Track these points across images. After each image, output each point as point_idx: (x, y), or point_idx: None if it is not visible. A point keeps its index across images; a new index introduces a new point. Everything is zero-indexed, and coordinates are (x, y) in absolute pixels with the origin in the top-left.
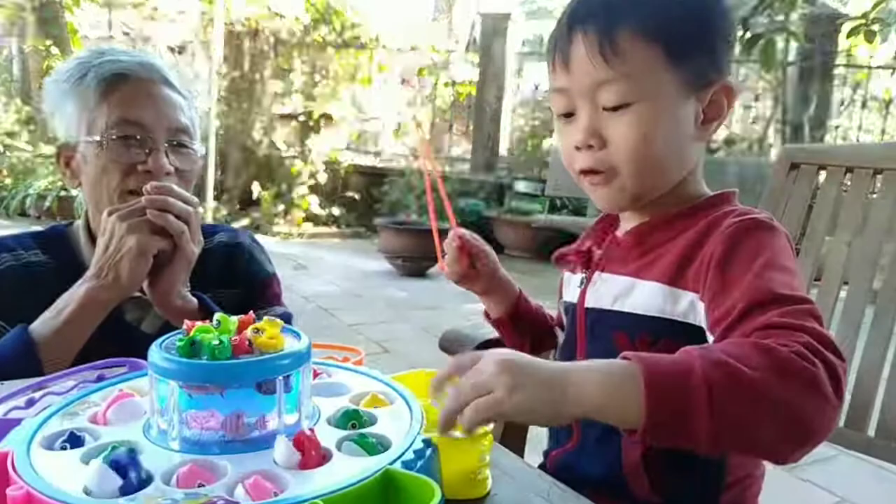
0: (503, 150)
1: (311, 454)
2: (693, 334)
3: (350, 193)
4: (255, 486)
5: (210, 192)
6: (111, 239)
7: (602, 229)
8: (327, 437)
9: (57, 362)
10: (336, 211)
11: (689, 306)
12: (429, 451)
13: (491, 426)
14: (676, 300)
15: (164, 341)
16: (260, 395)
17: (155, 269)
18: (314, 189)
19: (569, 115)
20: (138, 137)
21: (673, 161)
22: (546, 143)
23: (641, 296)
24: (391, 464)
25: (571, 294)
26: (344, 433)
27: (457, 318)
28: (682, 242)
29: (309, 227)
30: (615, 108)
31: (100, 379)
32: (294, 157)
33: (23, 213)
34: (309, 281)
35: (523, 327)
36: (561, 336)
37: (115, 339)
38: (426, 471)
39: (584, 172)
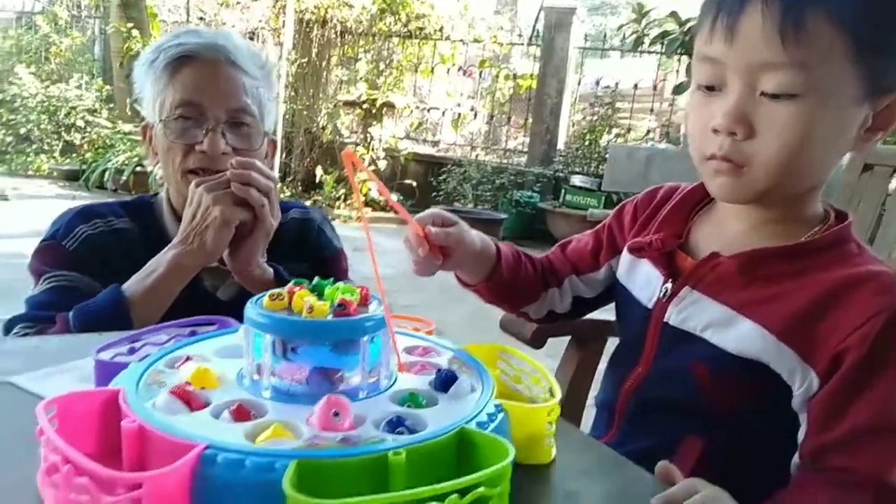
0: (561, 143)
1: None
2: (778, 391)
3: (408, 181)
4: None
5: (275, 174)
6: (198, 209)
7: (680, 212)
8: (379, 408)
9: (145, 321)
10: (395, 197)
11: (793, 370)
12: (500, 415)
13: (558, 396)
14: (781, 356)
15: (258, 299)
16: (345, 354)
17: (236, 239)
18: (374, 175)
19: (712, 87)
20: (196, 118)
21: (819, 167)
22: (604, 139)
23: (740, 335)
24: (466, 423)
25: (646, 296)
26: (394, 410)
27: None
28: (805, 294)
29: (368, 212)
30: (776, 96)
31: (192, 335)
32: (356, 143)
33: (101, 186)
34: (367, 263)
35: (503, 290)
36: (554, 296)
37: (194, 305)
38: (498, 433)
39: (713, 158)
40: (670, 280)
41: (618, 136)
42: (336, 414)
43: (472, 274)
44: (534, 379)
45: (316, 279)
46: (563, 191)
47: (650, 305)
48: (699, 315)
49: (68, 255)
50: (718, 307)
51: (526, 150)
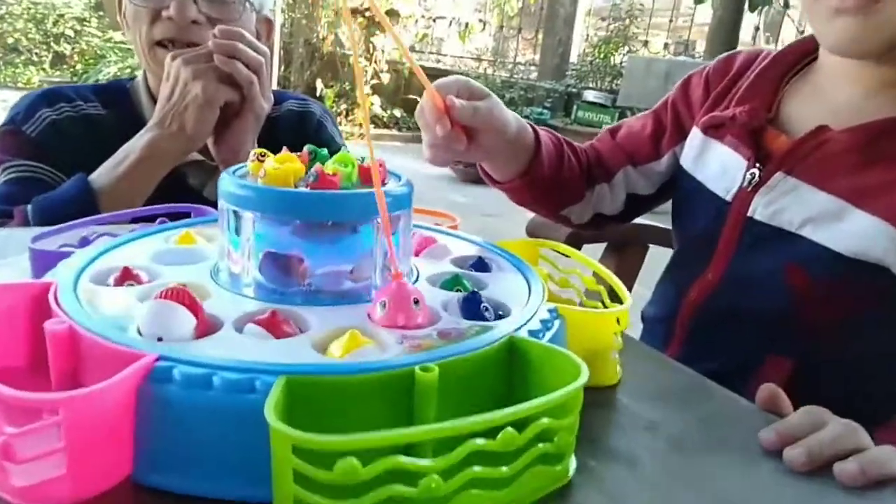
0: (573, 57)
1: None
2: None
3: (412, 96)
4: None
5: (267, 50)
6: (175, 85)
7: (768, 79)
8: (432, 298)
9: None
10: (398, 113)
11: None
12: (557, 322)
13: (628, 301)
14: None
15: (237, 170)
16: (354, 239)
17: (222, 124)
18: (377, 89)
19: None
20: None
21: None
22: (618, 57)
23: (853, 231)
24: (516, 331)
25: (723, 186)
26: (451, 294)
27: (518, 226)
28: None
29: (370, 129)
30: None
31: (161, 224)
32: (358, 55)
33: None
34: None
35: (541, 188)
36: (604, 192)
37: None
38: (554, 343)
39: None
40: (757, 164)
41: (630, 52)
42: (416, 302)
43: (504, 166)
44: (586, 281)
45: (326, 151)
46: (575, 107)
47: (728, 197)
48: (796, 206)
49: (29, 143)
50: (824, 196)
51: (536, 64)
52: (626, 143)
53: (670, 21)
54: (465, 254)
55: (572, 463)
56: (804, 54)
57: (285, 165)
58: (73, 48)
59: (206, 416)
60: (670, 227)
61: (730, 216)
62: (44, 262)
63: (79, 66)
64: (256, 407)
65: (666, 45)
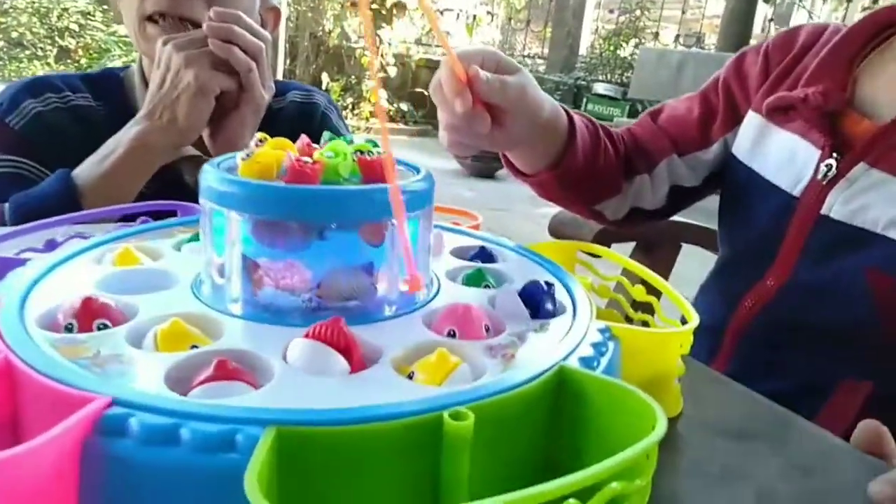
0: (583, 49)
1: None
2: None
3: (419, 89)
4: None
5: (267, 35)
6: (167, 73)
7: (841, 56)
8: (471, 297)
9: None
10: (404, 106)
11: None
12: (611, 345)
13: (695, 319)
14: None
15: (223, 161)
16: (362, 245)
17: (218, 116)
18: (383, 83)
19: None
20: None
21: None
22: (629, 48)
23: None
24: (565, 359)
25: (789, 178)
26: (494, 291)
27: (527, 221)
28: None
29: (377, 123)
30: None
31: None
32: (365, 48)
33: None
34: None
35: (575, 181)
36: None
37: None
38: (608, 374)
39: None
40: (833, 154)
41: (639, 44)
42: (487, 329)
43: (533, 155)
44: (634, 291)
45: (354, 140)
46: (584, 100)
47: (796, 192)
48: (882, 204)
49: (13, 136)
50: None
51: (545, 56)
52: (669, 128)
53: (682, 13)
54: (462, 244)
55: None
56: (881, 28)
57: (266, 153)
58: (77, 42)
59: (170, 482)
60: (705, 223)
61: (798, 213)
62: None
63: (83, 61)
64: (236, 471)
65: (677, 38)
